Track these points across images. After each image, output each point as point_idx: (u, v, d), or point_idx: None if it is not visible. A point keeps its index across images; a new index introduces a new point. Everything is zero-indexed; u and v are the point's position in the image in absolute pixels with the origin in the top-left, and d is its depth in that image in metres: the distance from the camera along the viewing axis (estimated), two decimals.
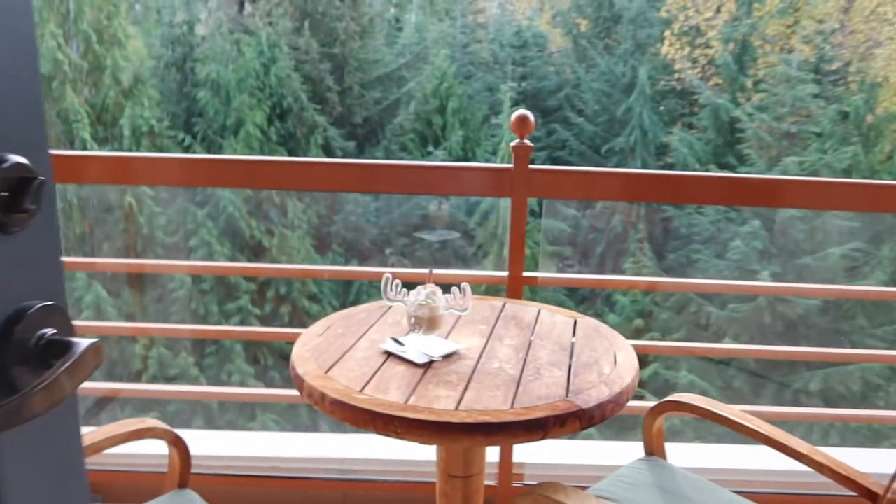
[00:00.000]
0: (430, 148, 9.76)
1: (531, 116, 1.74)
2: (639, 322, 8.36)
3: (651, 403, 1.60)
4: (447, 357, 1.31)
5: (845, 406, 7.34)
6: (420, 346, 1.34)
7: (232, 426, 7.83)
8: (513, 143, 1.75)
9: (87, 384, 0.51)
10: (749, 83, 8.85)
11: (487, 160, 9.65)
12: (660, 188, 1.96)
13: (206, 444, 2.05)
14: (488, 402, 1.15)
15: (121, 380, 8.29)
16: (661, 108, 10.16)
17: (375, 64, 10.31)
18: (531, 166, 1.75)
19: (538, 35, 11.75)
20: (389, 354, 1.32)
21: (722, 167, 8.67)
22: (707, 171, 8.54)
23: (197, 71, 9.38)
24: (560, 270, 8.88)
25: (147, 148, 8.74)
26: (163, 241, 8.80)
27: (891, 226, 8.03)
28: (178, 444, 1.38)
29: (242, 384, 8.29)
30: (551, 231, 9.32)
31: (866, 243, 7.74)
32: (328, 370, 1.25)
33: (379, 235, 9.63)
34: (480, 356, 1.34)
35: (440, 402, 1.14)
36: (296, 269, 9.28)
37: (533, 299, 1.96)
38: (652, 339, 7.95)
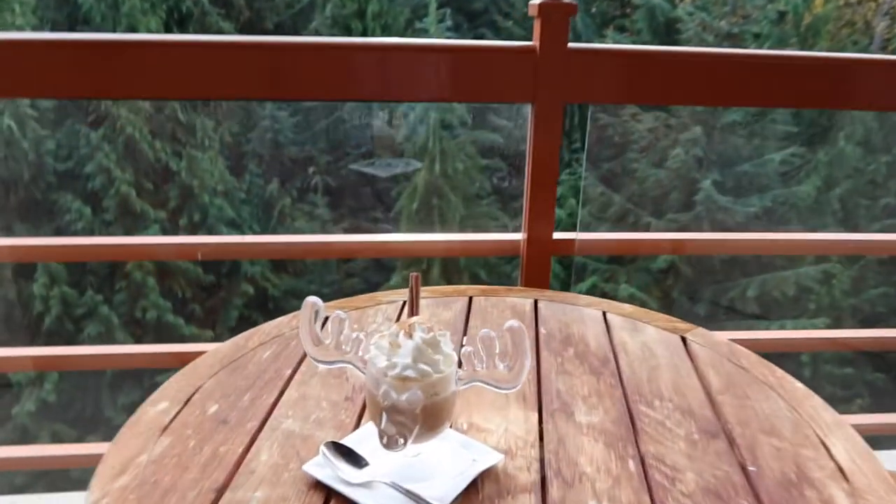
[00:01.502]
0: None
1: None
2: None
3: None
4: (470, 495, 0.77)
5: (780, 311, 7.32)
6: (400, 470, 0.79)
7: None
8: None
9: None
10: None
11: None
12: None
13: None
14: None
15: (20, 323, 7.47)
16: (594, 10, 9.53)
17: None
18: (572, 45, 1.13)
19: None
20: (326, 491, 0.77)
21: None
22: None
23: None
24: (495, 187, 8.36)
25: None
26: (54, 168, 7.76)
27: (825, 128, 7.83)
28: None
29: (159, 320, 7.59)
30: (483, 143, 8.76)
31: (803, 147, 7.53)
32: None
33: (300, 153, 8.83)
34: (544, 482, 0.81)
35: None
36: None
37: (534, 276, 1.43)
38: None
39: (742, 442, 0.89)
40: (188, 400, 0.95)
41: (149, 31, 7.79)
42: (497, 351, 0.75)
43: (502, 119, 8.95)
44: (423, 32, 8.70)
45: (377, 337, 0.77)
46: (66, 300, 7.46)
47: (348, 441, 0.84)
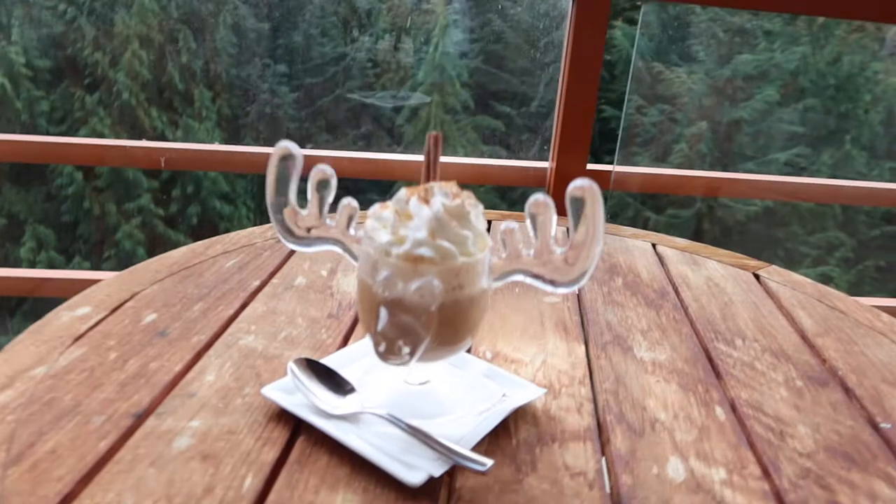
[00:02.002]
0: (355, 34, 8.60)
1: None
2: None
3: None
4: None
5: None
6: (400, 401, 0.56)
7: None
8: None
9: None
10: None
11: (418, 50, 8.61)
12: None
13: None
14: None
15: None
16: None
17: None
18: None
19: None
20: (293, 423, 0.53)
21: (664, 65, 7.97)
22: (651, 67, 7.84)
23: None
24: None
25: (20, 20, 7.26)
26: (46, 130, 7.47)
27: (832, 130, 7.62)
28: None
29: None
30: (482, 129, 8.53)
31: (808, 147, 7.31)
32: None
33: (298, 130, 8.55)
34: (602, 429, 0.56)
35: None
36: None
37: None
38: None
39: (862, 394, 0.65)
40: (118, 307, 0.70)
41: None
42: (552, 231, 0.50)
43: (505, 104, 8.74)
44: (430, 14, 8.45)
45: (377, 206, 0.53)
46: (54, 265, 7.19)
47: (329, 361, 0.60)
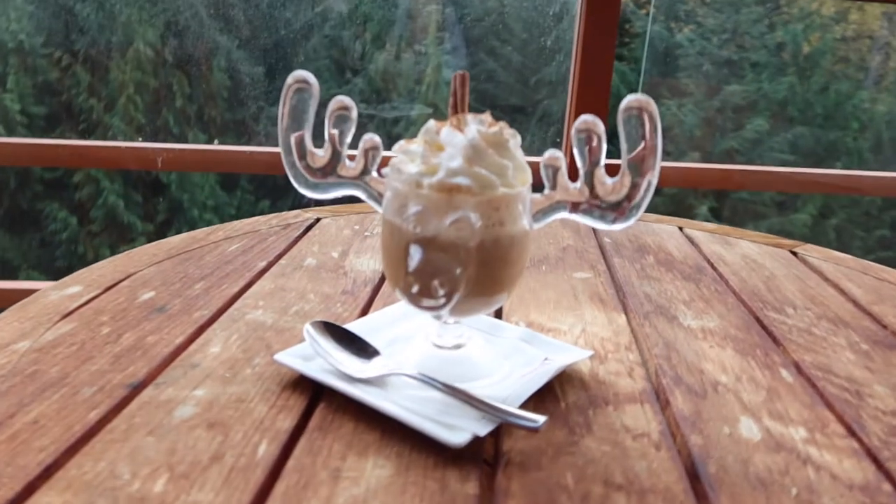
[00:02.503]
0: (348, 76, 8.69)
1: None
2: None
3: None
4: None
5: None
6: (432, 365, 0.49)
7: None
8: None
9: None
10: (687, 8, 8.20)
11: (411, 91, 8.69)
12: None
13: None
14: None
15: None
16: None
17: None
18: None
19: None
20: (312, 389, 0.47)
21: (655, 99, 8.04)
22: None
23: None
24: None
25: (15, 68, 7.29)
26: (41, 176, 7.45)
27: (822, 158, 7.66)
28: None
29: None
30: None
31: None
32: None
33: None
34: (659, 391, 0.50)
35: None
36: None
37: None
38: None
39: None
40: (112, 286, 0.63)
41: (145, 42, 7.59)
42: (603, 154, 0.44)
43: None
44: (422, 55, 8.55)
45: (402, 142, 0.47)
46: None
47: (350, 328, 0.53)
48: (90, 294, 0.61)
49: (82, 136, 7.51)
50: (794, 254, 0.84)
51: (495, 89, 10.12)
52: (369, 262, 0.73)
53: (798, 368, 0.55)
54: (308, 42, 9.01)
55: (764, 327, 0.62)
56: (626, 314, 0.63)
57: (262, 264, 0.71)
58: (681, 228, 0.92)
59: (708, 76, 7.90)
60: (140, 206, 7.90)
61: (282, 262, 0.72)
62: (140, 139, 7.63)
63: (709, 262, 0.79)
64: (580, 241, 0.85)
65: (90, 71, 7.85)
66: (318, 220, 0.88)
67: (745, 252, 0.83)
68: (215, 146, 1.55)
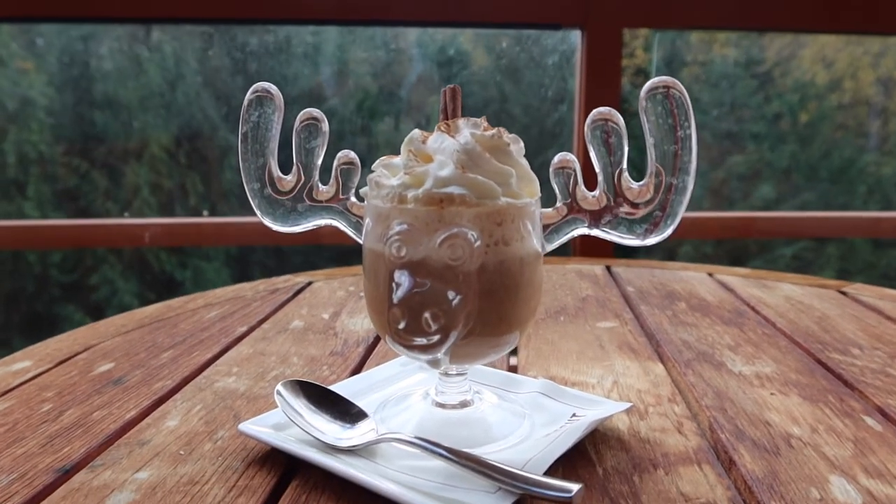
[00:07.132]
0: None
1: None
2: None
3: None
4: None
5: None
6: (431, 428, 0.41)
7: None
8: None
9: None
10: (684, 85, 8.33)
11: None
12: None
13: None
14: None
15: None
16: None
17: (293, 80, 9.35)
18: None
19: (462, 52, 11.18)
20: (284, 464, 0.38)
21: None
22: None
23: (94, 91, 8.17)
24: None
25: (37, 177, 7.46)
26: (58, 280, 7.45)
27: (834, 226, 7.55)
28: None
29: None
30: None
31: (813, 241, 7.22)
32: None
33: (304, 263, 8.54)
34: (718, 449, 0.41)
35: None
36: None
37: None
38: None
39: None
40: (66, 360, 0.55)
41: (160, 145, 7.76)
42: (625, 154, 0.36)
43: None
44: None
45: (382, 158, 0.39)
46: None
47: (334, 389, 0.44)
48: (39, 369, 0.52)
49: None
50: (843, 293, 0.74)
51: None
52: (364, 322, 0.64)
53: (884, 414, 0.44)
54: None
55: (829, 370, 0.52)
56: (664, 363, 0.53)
57: (243, 329, 0.62)
58: (710, 274, 0.82)
59: (709, 147, 7.98)
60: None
61: (265, 325, 0.63)
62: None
63: (748, 305, 0.69)
64: (600, 290, 0.76)
65: (107, 176, 8.03)
66: (309, 283, 0.80)
67: (787, 294, 0.74)
68: (203, 218, 1.50)
